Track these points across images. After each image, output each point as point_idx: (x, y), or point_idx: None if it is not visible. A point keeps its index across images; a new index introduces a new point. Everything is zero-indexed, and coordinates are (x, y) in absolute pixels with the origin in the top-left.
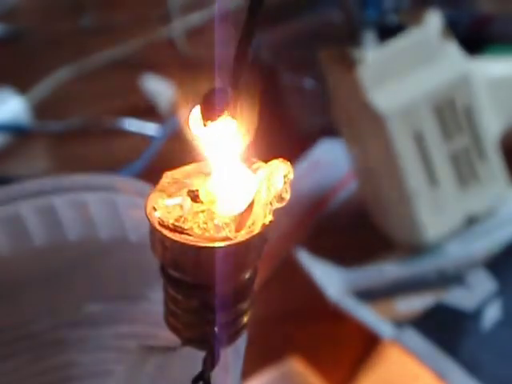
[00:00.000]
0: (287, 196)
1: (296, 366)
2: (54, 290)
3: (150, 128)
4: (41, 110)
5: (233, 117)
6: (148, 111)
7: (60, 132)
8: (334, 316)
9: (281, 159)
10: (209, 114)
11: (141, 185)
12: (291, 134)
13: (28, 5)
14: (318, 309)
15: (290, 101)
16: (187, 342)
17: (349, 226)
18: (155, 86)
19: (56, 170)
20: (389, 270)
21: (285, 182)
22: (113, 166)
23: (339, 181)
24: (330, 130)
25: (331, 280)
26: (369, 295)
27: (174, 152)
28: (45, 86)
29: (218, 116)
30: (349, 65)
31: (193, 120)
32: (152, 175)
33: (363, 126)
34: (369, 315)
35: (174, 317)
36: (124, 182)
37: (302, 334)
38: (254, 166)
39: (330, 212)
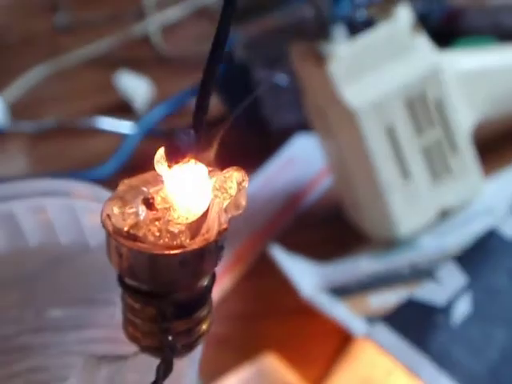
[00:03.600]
0: (243, 203)
1: (271, 362)
2: (16, 296)
3: (125, 126)
4: (16, 109)
5: (196, 159)
6: (123, 109)
7: (36, 132)
8: (309, 312)
9: (235, 167)
10: (172, 156)
11: (98, 190)
12: (265, 130)
13: (1, 3)
14: (293, 305)
15: (263, 97)
16: (145, 349)
17: (323, 222)
18: (131, 83)
19: (32, 169)
20: (363, 265)
21: (239, 190)
22: (89, 164)
23: (314, 177)
24: (303, 126)
25: (305, 276)
26: (343, 290)
27: (150, 150)
28: (20, 86)
29: (182, 158)
30: (319, 60)
31: (157, 160)
32: (128, 173)
33: (335, 121)
34: (342, 312)
35: (132, 326)
36: (81, 187)
37: (277, 330)
38: (210, 173)
39: (305, 208)
